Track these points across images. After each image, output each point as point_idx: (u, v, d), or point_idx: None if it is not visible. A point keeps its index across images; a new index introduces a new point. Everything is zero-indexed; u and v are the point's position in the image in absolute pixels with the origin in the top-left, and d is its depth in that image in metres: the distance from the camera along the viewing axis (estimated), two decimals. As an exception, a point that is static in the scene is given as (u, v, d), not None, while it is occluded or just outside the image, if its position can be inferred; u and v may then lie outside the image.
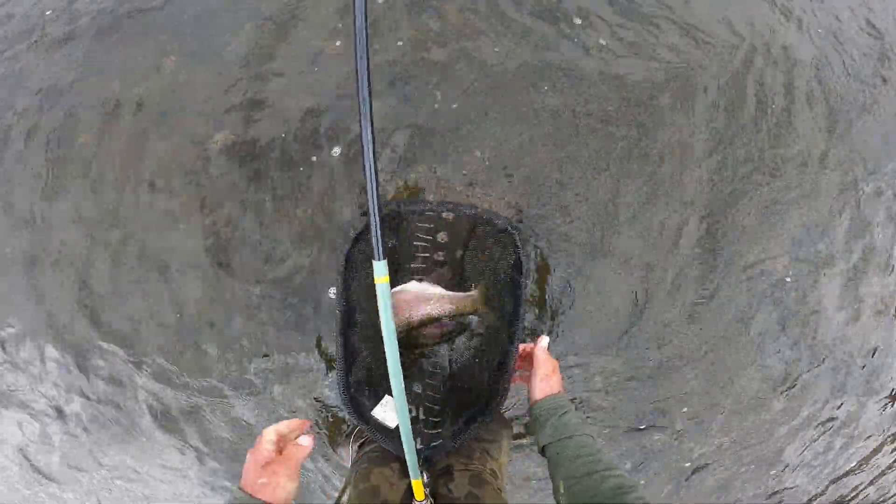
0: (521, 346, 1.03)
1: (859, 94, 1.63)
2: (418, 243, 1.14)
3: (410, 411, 1.11)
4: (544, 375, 0.97)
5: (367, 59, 0.68)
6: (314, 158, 1.40)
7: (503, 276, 1.07)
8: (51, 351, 1.49)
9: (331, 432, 1.53)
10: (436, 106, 1.40)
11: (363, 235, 1.00)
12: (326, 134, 1.41)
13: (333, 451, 1.47)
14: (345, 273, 1.00)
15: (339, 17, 1.47)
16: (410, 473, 0.92)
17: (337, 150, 1.39)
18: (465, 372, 1.14)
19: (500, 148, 1.38)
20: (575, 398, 1.55)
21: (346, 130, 1.40)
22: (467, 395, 1.11)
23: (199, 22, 1.51)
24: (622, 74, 1.46)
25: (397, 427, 1.09)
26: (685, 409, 1.57)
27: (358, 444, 1.27)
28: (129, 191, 1.43)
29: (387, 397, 1.11)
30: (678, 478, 1.71)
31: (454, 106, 1.40)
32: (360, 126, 0.70)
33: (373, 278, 0.99)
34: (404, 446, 0.87)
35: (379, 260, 0.73)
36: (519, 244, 1.01)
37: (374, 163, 0.72)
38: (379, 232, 0.73)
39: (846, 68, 1.64)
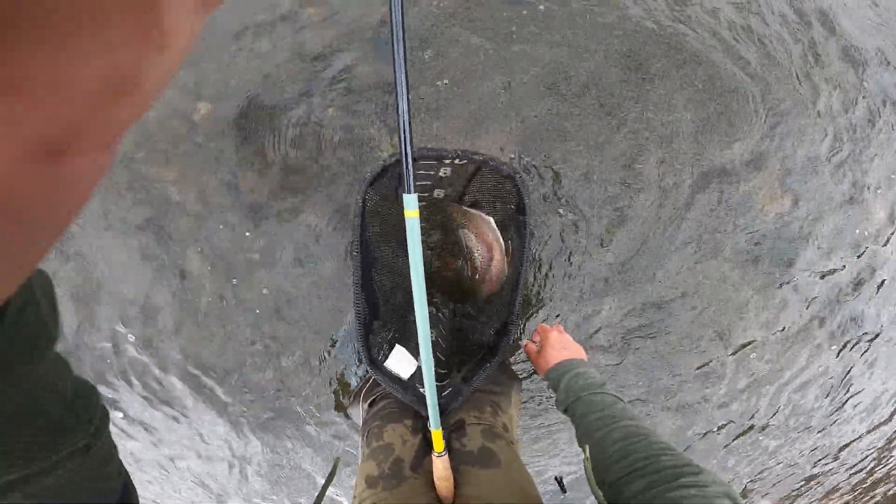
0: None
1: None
2: (420, 182, 1.13)
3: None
4: (557, 346, 1.00)
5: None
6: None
7: (509, 208, 1.08)
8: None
9: (343, 392, 1.53)
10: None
11: (379, 177, 0.99)
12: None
13: (345, 413, 1.47)
14: (362, 218, 0.99)
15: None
16: (431, 424, 0.92)
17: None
18: (472, 319, 1.15)
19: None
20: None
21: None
22: (475, 342, 1.12)
23: None
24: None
25: (410, 378, 1.11)
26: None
27: (368, 402, 1.27)
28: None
29: (397, 347, 1.12)
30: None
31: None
32: (393, 51, 0.70)
33: (392, 218, 0.99)
34: (427, 393, 0.88)
35: (410, 193, 0.74)
36: (523, 190, 1.02)
37: (407, 97, 0.72)
38: (410, 164, 0.73)
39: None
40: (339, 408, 1.58)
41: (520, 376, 1.46)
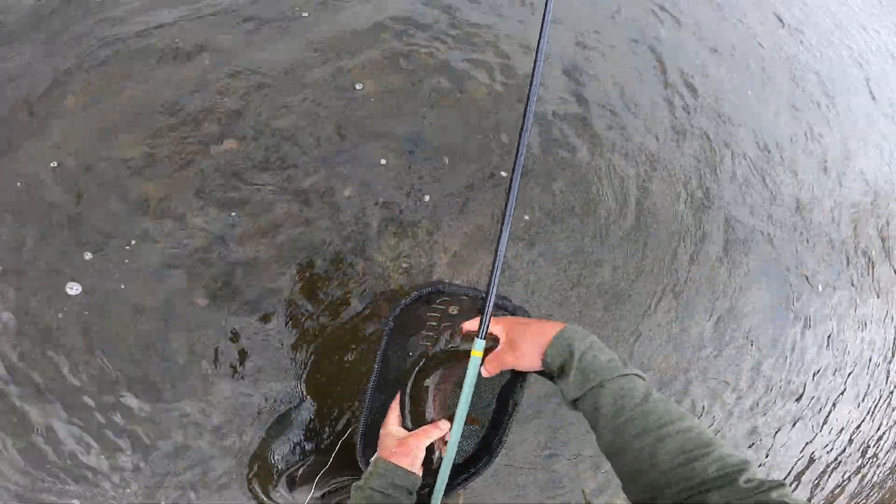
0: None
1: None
2: (432, 314, 1.28)
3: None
4: (527, 322, 0.88)
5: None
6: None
7: None
8: None
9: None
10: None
11: (411, 305, 1.11)
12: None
13: (287, 488, 1.40)
14: (390, 336, 1.09)
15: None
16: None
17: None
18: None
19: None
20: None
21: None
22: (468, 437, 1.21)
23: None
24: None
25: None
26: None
27: (322, 492, 1.26)
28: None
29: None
30: None
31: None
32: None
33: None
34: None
35: (482, 339, 0.91)
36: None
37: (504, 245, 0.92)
38: (489, 315, 0.91)
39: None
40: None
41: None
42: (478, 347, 0.92)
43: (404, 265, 1.68)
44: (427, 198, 1.76)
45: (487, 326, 0.92)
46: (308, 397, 1.57)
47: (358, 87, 1.81)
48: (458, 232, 1.79)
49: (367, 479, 0.88)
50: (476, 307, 1.21)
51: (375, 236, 1.67)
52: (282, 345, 1.54)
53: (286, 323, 1.55)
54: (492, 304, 0.91)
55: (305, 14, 1.88)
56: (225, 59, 1.72)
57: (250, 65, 1.74)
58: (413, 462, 0.89)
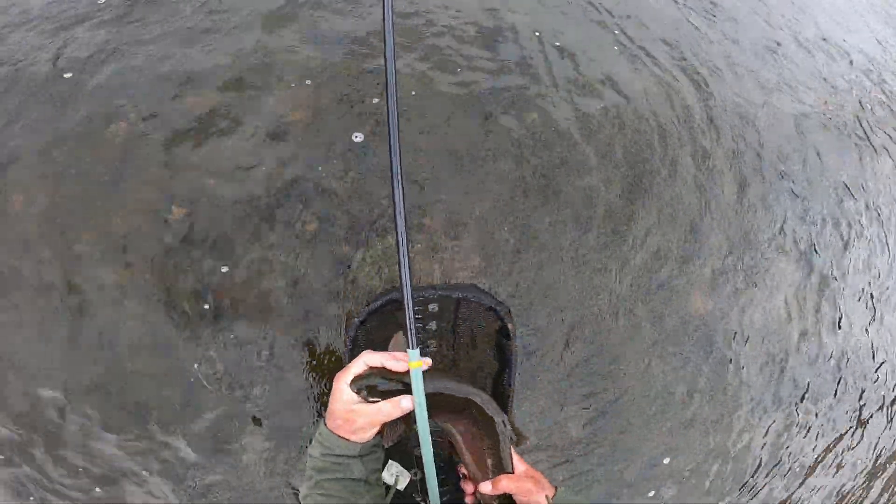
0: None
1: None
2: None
3: (415, 473, 1.17)
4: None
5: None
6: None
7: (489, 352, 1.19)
8: None
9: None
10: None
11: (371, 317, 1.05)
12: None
13: None
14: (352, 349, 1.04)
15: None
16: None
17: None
18: None
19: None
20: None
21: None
22: None
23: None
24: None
25: (406, 489, 1.15)
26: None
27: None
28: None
29: (390, 462, 1.16)
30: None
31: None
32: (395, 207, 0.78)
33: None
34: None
35: (413, 349, 0.81)
36: (505, 317, 1.13)
37: (406, 245, 0.80)
38: (413, 323, 0.80)
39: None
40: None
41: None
42: (413, 359, 0.82)
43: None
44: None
45: (414, 334, 0.81)
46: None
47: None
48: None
49: (312, 446, 0.88)
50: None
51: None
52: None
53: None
54: (412, 309, 0.81)
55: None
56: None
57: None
58: (361, 437, 0.84)
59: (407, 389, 0.82)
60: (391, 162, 0.79)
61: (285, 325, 1.22)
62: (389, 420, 0.84)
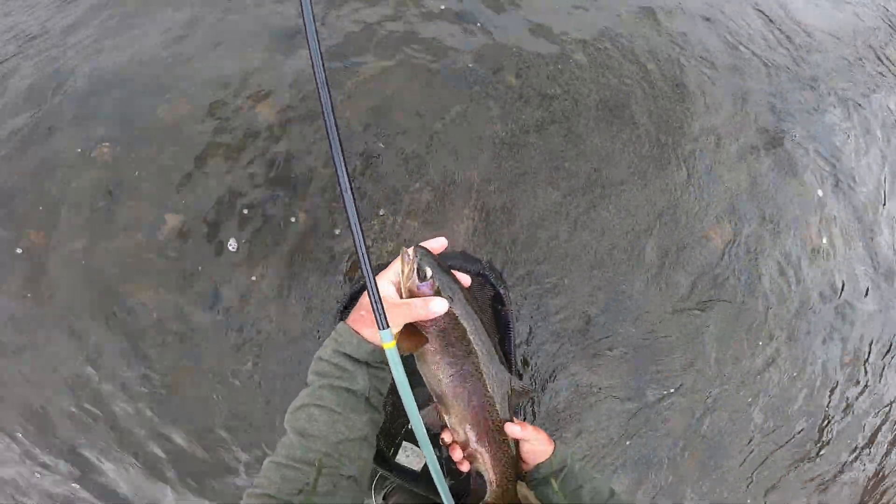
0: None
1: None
2: None
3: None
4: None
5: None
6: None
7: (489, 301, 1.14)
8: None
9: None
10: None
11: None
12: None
13: None
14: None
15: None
16: None
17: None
18: None
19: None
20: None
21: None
22: None
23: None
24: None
25: (422, 469, 1.15)
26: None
27: (381, 494, 1.30)
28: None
29: (405, 444, 1.15)
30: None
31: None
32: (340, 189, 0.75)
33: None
34: (436, 482, 0.90)
35: (383, 329, 0.78)
36: (495, 282, 1.09)
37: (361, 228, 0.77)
38: (381, 304, 0.78)
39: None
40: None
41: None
42: (386, 339, 0.79)
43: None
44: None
45: (383, 311, 0.78)
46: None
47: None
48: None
49: (322, 348, 0.81)
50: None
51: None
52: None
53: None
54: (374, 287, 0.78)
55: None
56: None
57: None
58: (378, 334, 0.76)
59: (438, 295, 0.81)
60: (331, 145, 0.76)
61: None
62: (415, 320, 0.81)
